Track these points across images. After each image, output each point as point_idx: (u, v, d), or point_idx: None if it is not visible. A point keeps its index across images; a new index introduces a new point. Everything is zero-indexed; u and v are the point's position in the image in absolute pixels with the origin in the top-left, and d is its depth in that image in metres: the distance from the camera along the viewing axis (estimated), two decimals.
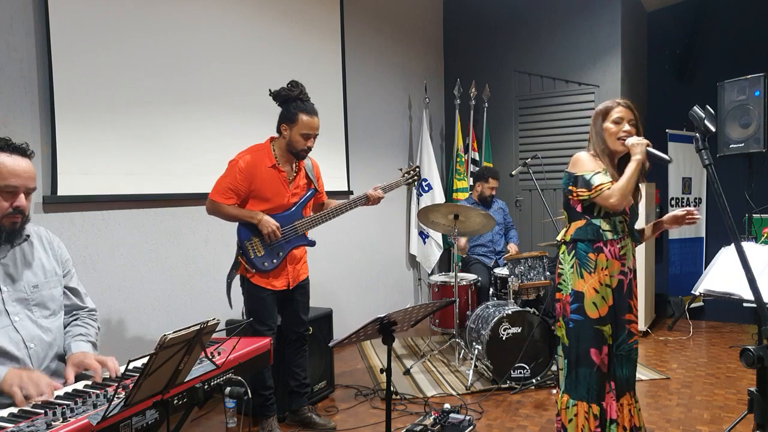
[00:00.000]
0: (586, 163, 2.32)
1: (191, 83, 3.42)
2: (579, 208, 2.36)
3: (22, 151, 1.70)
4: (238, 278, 2.92)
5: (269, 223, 2.77)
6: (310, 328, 3.18)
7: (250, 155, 2.82)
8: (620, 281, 2.32)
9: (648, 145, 2.24)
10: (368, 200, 3.03)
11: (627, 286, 2.34)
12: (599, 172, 2.28)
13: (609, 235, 2.29)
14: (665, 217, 2.45)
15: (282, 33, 4.12)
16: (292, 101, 2.80)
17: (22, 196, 1.68)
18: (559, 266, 2.41)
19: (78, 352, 1.76)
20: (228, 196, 2.79)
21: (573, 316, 2.31)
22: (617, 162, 2.35)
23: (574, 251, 2.34)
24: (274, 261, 2.85)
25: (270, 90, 2.84)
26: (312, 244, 2.98)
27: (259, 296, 2.86)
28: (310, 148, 2.85)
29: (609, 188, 2.23)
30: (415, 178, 3.25)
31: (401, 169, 3.27)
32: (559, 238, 2.44)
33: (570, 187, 2.35)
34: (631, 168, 2.23)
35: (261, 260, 2.83)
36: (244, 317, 2.97)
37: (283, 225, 2.84)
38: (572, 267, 2.33)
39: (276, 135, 2.89)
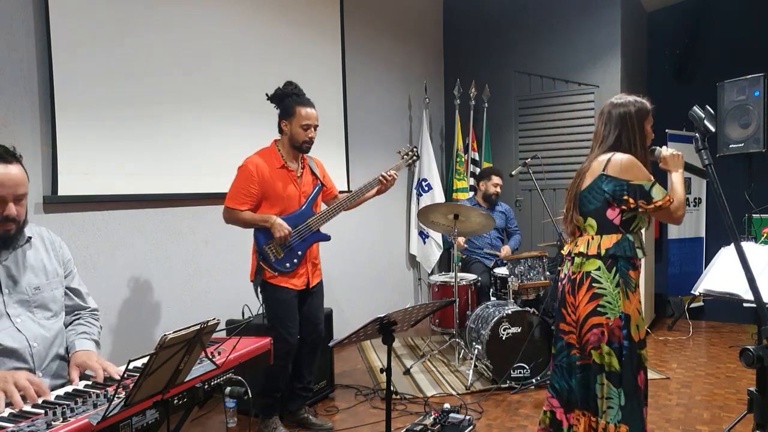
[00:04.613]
0: (642, 171, 2.08)
1: (191, 83, 3.42)
2: (617, 221, 2.10)
3: (7, 158, 1.64)
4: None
5: (282, 227, 2.79)
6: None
7: (259, 158, 2.86)
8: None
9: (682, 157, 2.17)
10: (383, 182, 3.05)
11: None
12: (656, 182, 2.07)
13: (640, 253, 2.11)
14: None
15: (282, 33, 4.12)
16: (287, 97, 2.88)
17: (11, 204, 1.64)
18: (596, 285, 2.08)
19: (81, 351, 1.76)
20: (242, 201, 2.81)
21: (626, 342, 2.06)
22: None
23: (615, 268, 2.07)
24: (295, 261, 2.87)
25: (267, 94, 2.90)
26: (327, 238, 3.01)
27: (281, 298, 2.86)
28: (312, 139, 2.90)
29: (673, 201, 2.07)
30: (414, 158, 3.28)
31: (399, 152, 3.27)
32: (582, 249, 2.14)
33: (625, 197, 2.06)
34: (681, 180, 2.13)
35: (282, 262, 2.85)
36: (250, 318, 2.96)
37: (298, 223, 2.87)
38: (618, 286, 2.07)
39: (278, 137, 2.95)
